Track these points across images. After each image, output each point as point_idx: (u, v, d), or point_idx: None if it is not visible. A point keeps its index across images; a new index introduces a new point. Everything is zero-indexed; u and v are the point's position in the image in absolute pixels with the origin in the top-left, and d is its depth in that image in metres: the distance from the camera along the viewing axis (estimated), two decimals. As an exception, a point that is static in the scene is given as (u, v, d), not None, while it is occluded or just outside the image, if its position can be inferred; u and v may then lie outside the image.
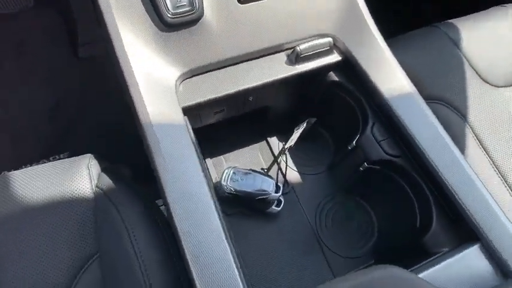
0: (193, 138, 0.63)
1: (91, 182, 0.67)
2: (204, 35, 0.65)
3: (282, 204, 0.78)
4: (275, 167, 0.85)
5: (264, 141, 0.89)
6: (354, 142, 0.69)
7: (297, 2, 0.69)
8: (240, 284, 0.48)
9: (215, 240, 0.51)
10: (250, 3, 0.67)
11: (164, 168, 0.55)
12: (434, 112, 0.86)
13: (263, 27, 0.68)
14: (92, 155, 0.74)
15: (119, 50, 0.61)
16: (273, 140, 0.90)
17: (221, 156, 0.87)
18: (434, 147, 0.60)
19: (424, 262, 0.53)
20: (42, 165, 0.72)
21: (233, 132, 0.87)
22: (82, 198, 0.66)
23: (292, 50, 0.69)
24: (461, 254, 0.52)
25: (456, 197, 0.56)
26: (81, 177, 0.67)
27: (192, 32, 0.64)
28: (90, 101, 1.44)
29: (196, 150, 0.59)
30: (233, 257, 0.50)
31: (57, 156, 1.36)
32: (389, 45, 0.93)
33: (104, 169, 0.72)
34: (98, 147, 0.85)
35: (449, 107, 0.87)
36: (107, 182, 0.69)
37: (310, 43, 0.68)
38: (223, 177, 0.75)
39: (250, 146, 0.88)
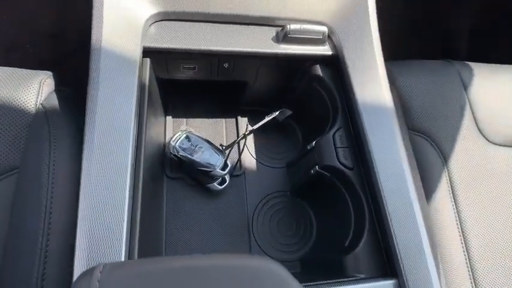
0: (146, 83, 0.59)
1: (37, 97, 0.64)
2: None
3: (225, 184, 0.74)
4: (235, 147, 0.81)
5: (234, 118, 0.84)
6: (314, 143, 0.64)
7: (303, -18, 0.64)
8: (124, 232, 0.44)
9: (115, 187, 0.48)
10: None
11: (94, 98, 0.52)
12: (415, 144, 0.81)
13: None
14: (53, 74, 0.71)
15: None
16: (243, 121, 0.85)
17: (184, 119, 0.83)
18: (387, 169, 0.55)
19: (332, 281, 0.48)
20: (1, 68, 0.70)
21: (205, 98, 0.82)
22: (22, 112, 0.63)
23: (282, 27, 0.64)
24: (372, 284, 0.47)
25: (391, 226, 0.51)
26: (29, 90, 0.65)
27: None
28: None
29: (140, 96, 0.55)
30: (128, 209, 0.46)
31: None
32: (393, 65, 0.88)
33: (58, 90, 0.69)
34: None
35: (434, 145, 0.81)
36: (53, 102, 0.66)
37: (303, 26, 0.63)
38: (174, 138, 0.71)
39: (217, 119, 0.83)
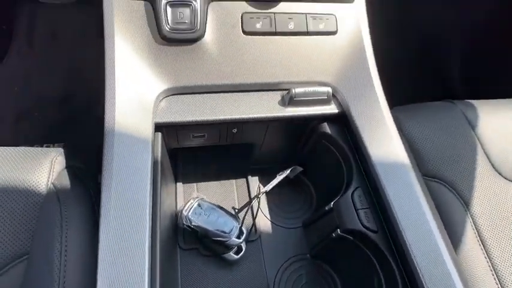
0: (159, 157, 0.59)
1: (48, 177, 0.64)
2: (199, 56, 0.63)
3: (241, 253, 0.70)
4: (248, 211, 0.78)
5: (244, 178, 0.83)
6: (332, 204, 0.62)
7: (303, 45, 0.67)
8: None
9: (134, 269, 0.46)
10: (254, 36, 0.65)
11: (109, 179, 0.52)
12: (433, 191, 0.79)
13: (262, 61, 0.65)
14: (63, 150, 0.72)
15: (109, 50, 0.59)
16: (254, 180, 0.84)
17: (194, 184, 0.82)
18: (413, 227, 0.53)
19: None
20: (13, 148, 0.71)
21: (214, 160, 0.82)
22: (34, 192, 0.63)
23: (288, 91, 0.65)
24: None
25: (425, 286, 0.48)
26: (41, 170, 0.65)
27: (188, 50, 0.62)
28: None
29: (154, 171, 0.55)
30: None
31: (51, 145, 1.36)
32: (399, 111, 0.88)
33: (69, 166, 0.69)
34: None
35: (451, 189, 0.79)
36: (64, 180, 0.66)
37: (307, 88, 0.64)
38: (186, 207, 0.69)
39: (228, 180, 0.82)
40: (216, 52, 0.63)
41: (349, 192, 0.60)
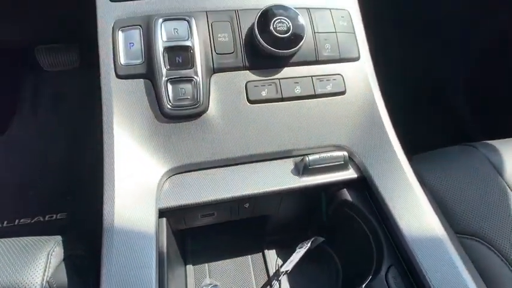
0: (164, 246, 0.53)
1: (44, 274, 0.58)
2: (204, 131, 0.59)
3: None
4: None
5: (260, 253, 0.76)
6: (364, 286, 0.55)
7: (312, 108, 0.63)
8: None
9: None
10: (260, 104, 0.62)
11: (109, 277, 0.46)
12: (469, 251, 0.71)
13: (271, 130, 0.61)
14: (62, 239, 0.67)
15: (107, 135, 0.56)
16: (271, 254, 0.76)
17: (206, 265, 0.74)
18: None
19: None
20: (7, 240, 0.66)
21: (225, 236, 0.75)
22: (27, 292, 0.57)
23: (301, 158, 0.60)
24: None
25: None
26: (36, 267, 0.59)
27: (191, 125, 0.59)
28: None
29: (159, 263, 0.49)
30: None
31: (54, 216, 1.31)
32: (418, 162, 0.83)
33: (67, 257, 0.64)
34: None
35: (489, 246, 0.71)
36: (61, 276, 0.60)
37: (322, 155, 0.60)
38: (199, 297, 0.62)
39: (242, 257, 0.75)
40: (221, 125, 0.60)
41: (383, 273, 0.52)
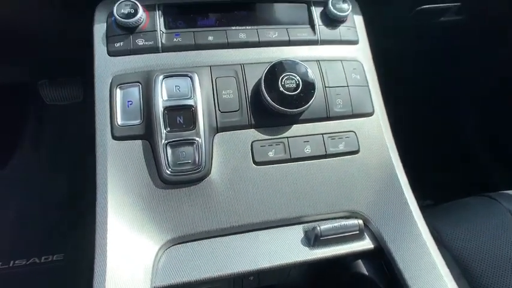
0: None
1: None
2: (206, 197, 0.55)
3: None
4: None
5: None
6: None
7: (323, 169, 0.58)
8: None
9: None
10: (267, 165, 0.57)
11: None
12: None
13: (279, 194, 0.56)
14: None
15: (100, 199, 0.52)
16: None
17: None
18: None
19: None
20: None
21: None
22: None
23: (312, 227, 0.55)
24: None
25: None
26: None
27: (192, 191, 0.54)
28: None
29: None
30: None
31: (50, 257, 1.25)
32: (431, 215, 0.77)
33: None
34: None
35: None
36: None
37: (335, 224, 0.55)
38: None
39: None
40: (225, 189, 0.55)
41: None
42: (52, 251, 1.25)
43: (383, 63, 0.72)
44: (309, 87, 0.57)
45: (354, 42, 0.66)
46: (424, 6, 0.81)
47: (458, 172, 1.47)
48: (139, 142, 0.55)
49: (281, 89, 0.56)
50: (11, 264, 1.20)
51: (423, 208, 0.63)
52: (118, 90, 0.56)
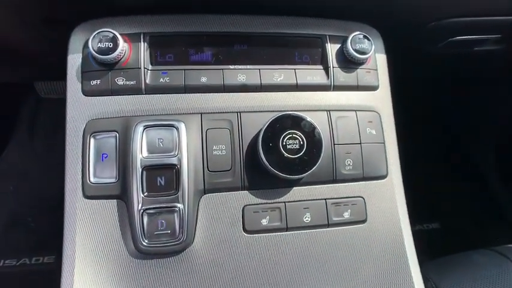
0: None
1: None
2: (187, 271, 0.48)
3: None
4: None
5: None
6: None
7: (324, 241, 0.51)
8: None
9: None
10: (260, 234, 0.50)
11: None
12: None
13: (272, 269, 0.49)
14: None
15: (66, 267, 0.46)
16: None
17: None
18: None
19: None
20: None
21: None
22: None
23: None
24: None
25: None
26: None
27: (171, 264, 0.47)
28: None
29: None
30: None
31: (41, 259, 1.23)
32: (433, 270, 0.70)
33: None
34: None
35: None
36: None
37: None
38: None
39: None
40: (209, 262, 0.48)
41: None
42: (43, 253, 1.22)
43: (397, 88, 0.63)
44: (314, 149, 0.48)
45: (373, 88, 0.56)
46: (459, 38, 0.70)
47: (467, 197, 1.39)
48: (113, 202, 0.48)
49: (282, 150, 0.47)
50: (0, 264, 1.18)
51: (425, 263, 0.57)
52: (92, 139, 0.48)
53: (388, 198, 0.54)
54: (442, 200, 1.39)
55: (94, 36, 0.48)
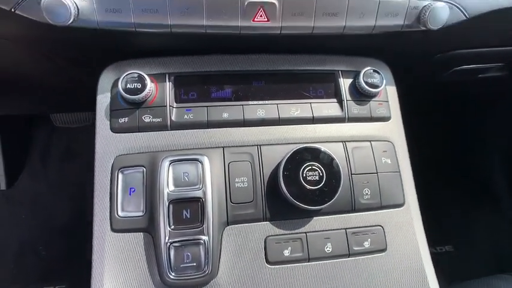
0: None
1: None
2: None
3: None
4: None
5: None
6: None
7: (345, 271, 0.51)
8: None
9: None
10: (282, 265, 0.51)
11: None
12: None
13: None
14: None
15: None
16: None
17: None
18: None
19: None
20: None
21: None
22: None
23: None
24: None
25: None
26: None
27: None
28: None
29: None
30: None
31: (51, 288, 1.22)
32: None
33: None
34: None
35: None
36: None
37: None
38: None
39: None
40: None
41: None
42: (54, 280, 1.22)
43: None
44: (333, 180, 0.50)
45: (386, 119, 0.59)
46: (464, 67, 0.73)
47: (482, 220, 1.38)
48: (140, 235, 0.49)
49: (302, 182, 0.49)
50: (11, 294, 1.18)
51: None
52: (120, 174, 0.50)
53: (407, 226, 0.55)
54: (455, 222, 1.38)
55: (123, 78, 0.51)
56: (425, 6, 0.51)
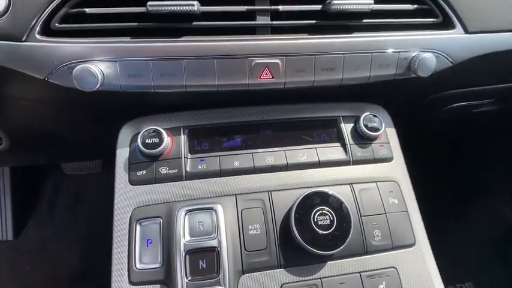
0: None
1: None
2: None
3: None
4: None
5: None
6: None
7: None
8: None
9: None
10: None
11: None
12: None
13: None
14: None
15: None
16: None
17: None
18: None
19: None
20: None
21: None
22: None
23: None
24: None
25: None
26: None
27: None
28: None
29: None
30: None
31: None
32: None
33: None
34: None
35: None
36: None
37: None
38: None
39: None
40: None
41: None
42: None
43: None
44: (344, 223, 0.52)
45: (388, 160, 0.61)
46: (457, 104, 0.77)
47: (501, 255, 1.35)
48: (156, 287, 0.50)
49: (314, 227, 0.51)
50: None
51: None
52: (138, 226, 0.52)
53: (420, 265, 0.55)
54: (473, 258, 1.35)
55: (142, 133, 0.55)
56: (413, 56, 0.56)
